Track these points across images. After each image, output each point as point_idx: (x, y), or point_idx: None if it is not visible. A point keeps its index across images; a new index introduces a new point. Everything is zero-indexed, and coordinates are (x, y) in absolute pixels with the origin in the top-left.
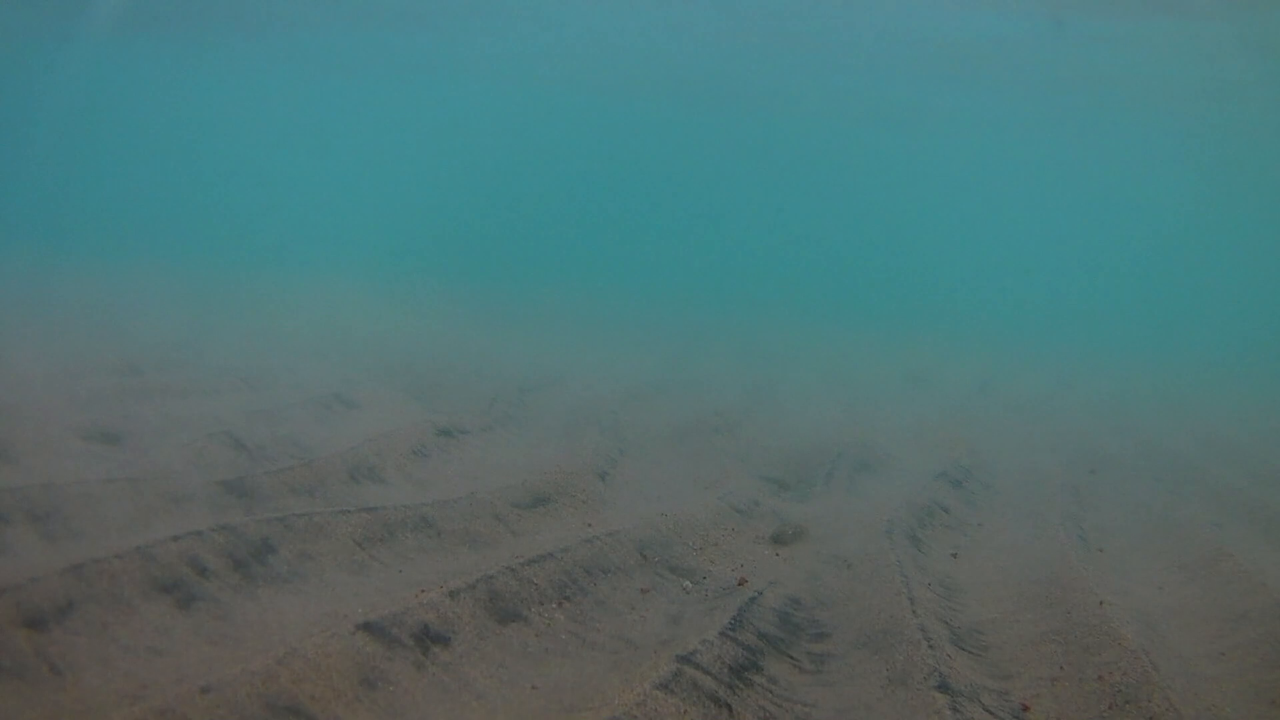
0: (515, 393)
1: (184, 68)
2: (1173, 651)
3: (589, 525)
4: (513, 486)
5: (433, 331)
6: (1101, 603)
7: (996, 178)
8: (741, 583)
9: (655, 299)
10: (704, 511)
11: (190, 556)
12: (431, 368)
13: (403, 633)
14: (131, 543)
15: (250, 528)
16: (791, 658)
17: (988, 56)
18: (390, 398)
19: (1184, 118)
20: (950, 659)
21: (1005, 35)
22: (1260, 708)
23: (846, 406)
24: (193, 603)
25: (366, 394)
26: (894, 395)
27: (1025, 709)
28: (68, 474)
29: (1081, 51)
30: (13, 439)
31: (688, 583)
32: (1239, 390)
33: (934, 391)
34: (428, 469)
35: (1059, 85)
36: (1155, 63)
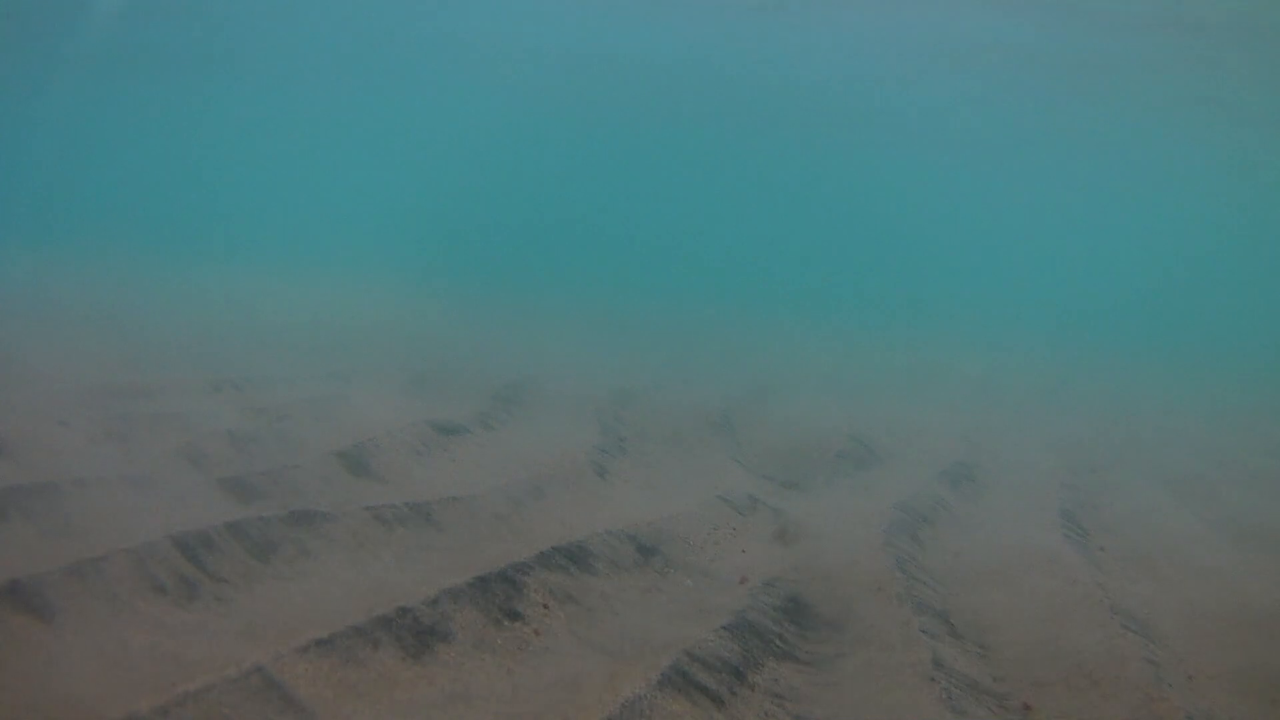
0: (515, 390)
1: (180, 71)
2: (1174, 652)
3: (589, 523)
4: (513, 484)
5: (433, 330)
6: (1103, 603)
7: (998, 180)
8: (742, 581)
9: (657, 298)
10: (704, 509)
11: (188, 554)
12: (432, 365)
13: (402, 631)
14: (130, 541)
15: (249, 526)
16: (792, 655)
17: (992, 56)
18: (390, 395)
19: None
20: (952, 658)
21: (1009, 35)
22: (1261, 707)
23: (847, 404)
24: (191, 601)
25: (366, 392)
26: (895, 393)
27: (1027, 709)
28: (67, 472)
29: (1089, 52)
30: (12, 437)
31: (688, 581)
32: None
33: (936, 389)
34: (427, 466)
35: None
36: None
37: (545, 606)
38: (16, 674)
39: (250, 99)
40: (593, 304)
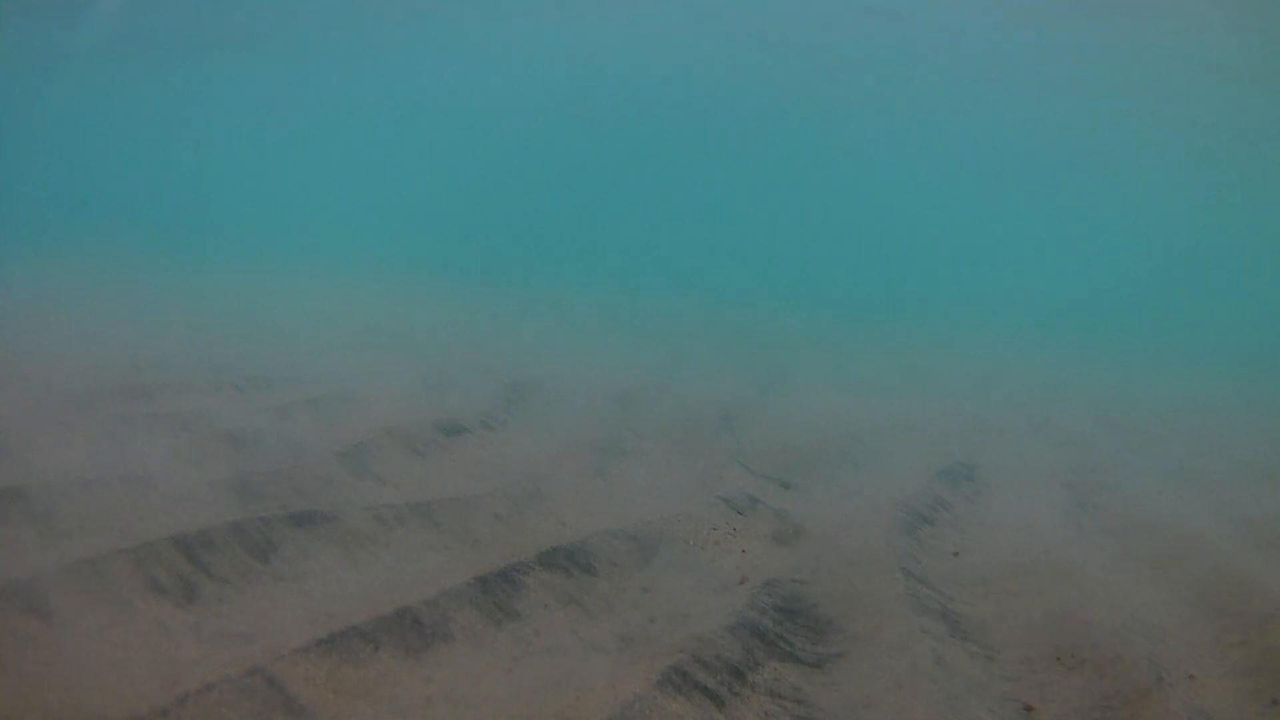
0: (515, 390)
1: (182, 67)
2: (1176, 651)
3: (590, 522)
4: (513, 484)
5: (434, 329)
6: (1104, 602)
7: (998, 172)
8: (743, 580)
9: (657, 298)
10: (705, 509)
11: (188, 554)
12: (433, 365)
13: (403, 631)
14: (130, 541)
15: (249, 526)
16: (793, 655)
17: (988, 52)
18: (391, 395)
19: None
20: (953, 658)
21: (1002, 27)
22: (1261, 706)
23: (848, 403)
24: (191, 601)
25: (366, 391)
26: (897, 391)
27: (1028, 709)
28: (67, 472)
29: (1082, 43)
30: (12, 437)
31: (689, 581)
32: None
33: (937, 387)
34: (428, 466)
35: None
36: (1154, 52)
37: (545, 606)
38: (16, 675)
39: (257, 97)
40: (595, 303)
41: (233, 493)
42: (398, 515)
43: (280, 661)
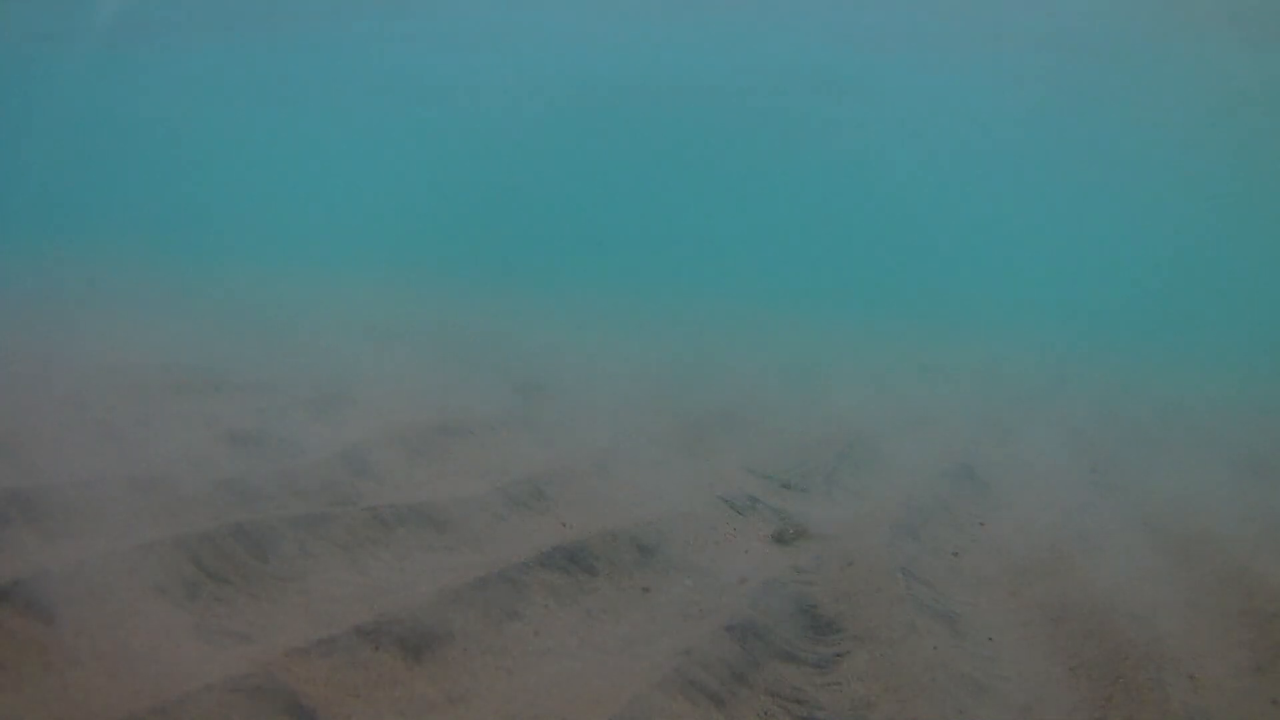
0: (517, 390)
1: (184, 65)
2: (1176, 652)
3: (590, 523)
4: (513, 484)
5: (436, 327)
6: (1107, 603)
7: (1004, 171)
8: (743, 581)
9: (661, 298)
10: (705, 509)
11: (189, 555)
12: (435, 364)
13: (403, 631)
14: (130, 541)
15: (249, 526)
16: (793, 656)
17: (995, 40)
18: (392, 395)
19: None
20: (954, 659)
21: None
22: (1262, 706)
23: (849, 403)
24: (191, 601)
25: (368, 391)
26: (900, 389)
27: (1029, 710)
28: (68, 473)
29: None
30: (13, 437)
31: (688, 581)
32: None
33: (940, 385)
34: (428, 467)
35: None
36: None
37: (546, 607)
38: (16, 675)
39: (256, 95)
40: (598, 303)
41: (233, 493)
42: (398, 515)
43: (280, 662)
